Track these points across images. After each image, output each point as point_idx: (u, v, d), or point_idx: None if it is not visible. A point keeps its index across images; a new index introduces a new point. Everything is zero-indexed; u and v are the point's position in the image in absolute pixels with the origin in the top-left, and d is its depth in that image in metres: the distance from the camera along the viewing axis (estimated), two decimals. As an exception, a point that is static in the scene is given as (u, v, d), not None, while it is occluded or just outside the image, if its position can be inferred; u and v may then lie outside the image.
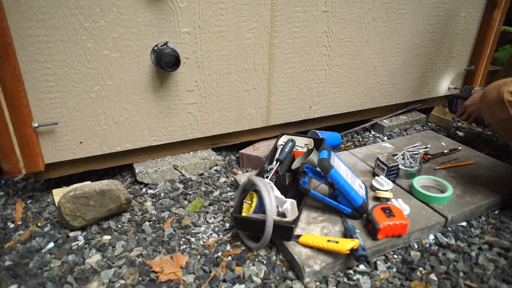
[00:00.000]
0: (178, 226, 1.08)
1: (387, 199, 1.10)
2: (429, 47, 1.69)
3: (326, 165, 0.97)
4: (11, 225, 1.09)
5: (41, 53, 1.04)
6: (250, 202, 1.02)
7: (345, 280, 0.89)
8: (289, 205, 0.97)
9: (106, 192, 1.06)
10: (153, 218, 1.12)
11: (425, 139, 1.54)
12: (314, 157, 1.09)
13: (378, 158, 1.22)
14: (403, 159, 1.30)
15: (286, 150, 1.23)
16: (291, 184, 1.20)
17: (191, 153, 1.42)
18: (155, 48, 1.15)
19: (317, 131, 1.51)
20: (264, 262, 0.94)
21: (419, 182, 1.16)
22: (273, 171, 1.14)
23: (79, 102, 1.14)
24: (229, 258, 0.95)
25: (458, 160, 1.35)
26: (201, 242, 1.01)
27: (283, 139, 1.34)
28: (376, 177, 1.18)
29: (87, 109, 1.16)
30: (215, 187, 1.29)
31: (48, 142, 1.15)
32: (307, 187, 1.03)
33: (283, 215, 0.96)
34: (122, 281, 0.88)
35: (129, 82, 1.18)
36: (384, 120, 1.77)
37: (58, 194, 1.19)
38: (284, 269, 0.91)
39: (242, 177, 1.26)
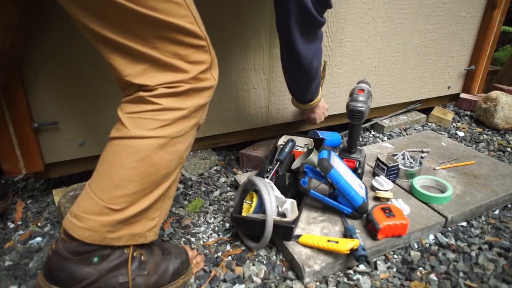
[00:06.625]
0: (178, 226, 1.08)
1: (387, 199, 1.10)
2: (429, 47, 1.69)
3: (326, 165, 0.97)
4: (11, 225, 1.09)
5: (41, 53, 1.04)
6: (250, 202, 1.02)
7: (345, 280, 0.88)
8: (289, 205, 0.97)
9: (106, 192, 1.06)
10: (153, 218, 1.12)
11: (425, 139, 1.54)
12: (314, 157, 1.09)
13: (378, 158, 1.22)
14: (403, 159, 1.30)
15: (286, 150, 1.23)
16: (291, 184, 1.20)
17: (191, 153, 1.42)
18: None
19: (317, 131, 1.51)
20: (264, 262, 0.94)
21: (419, 182, 1.16)
22: (273, 171, 1.14)
23: (79, 102, 1.14)
24: (229, 258, 0.95)
25: (458, 160, 1.35)
26: (201, 242, 1.01)
27: (283, 139, 1.34)
28: (376, 177, 1.18)
29: (87, 109, 1.16)
30: (215, 187, 1.29)
31: (48, 142, 1.15)
32: (307, 187, 1.03)
33: (283, 215, 0.96)
34: (122, 281, 0.88)
35: (129, 82, 1.17)
36: (384, 120, 1.77)
37: (58, 194, 1.19)
38: (284, 269, 0.91)
39: (242, 177, 1.26)
